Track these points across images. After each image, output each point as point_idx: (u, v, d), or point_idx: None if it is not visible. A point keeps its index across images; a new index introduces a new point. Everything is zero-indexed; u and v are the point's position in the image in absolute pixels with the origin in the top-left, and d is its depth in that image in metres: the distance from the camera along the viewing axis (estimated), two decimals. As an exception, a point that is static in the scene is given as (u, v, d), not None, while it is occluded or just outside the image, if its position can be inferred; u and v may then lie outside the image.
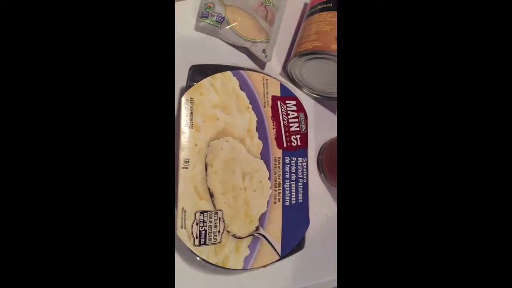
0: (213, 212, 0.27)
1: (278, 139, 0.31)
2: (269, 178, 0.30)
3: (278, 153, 0.31)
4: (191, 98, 0.27)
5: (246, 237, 0.28)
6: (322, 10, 0.33)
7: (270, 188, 0.30)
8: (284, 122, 0.32)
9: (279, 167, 0.31)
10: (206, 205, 0.26)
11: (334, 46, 0.31)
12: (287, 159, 0.31)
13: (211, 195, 0.27)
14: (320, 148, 0.38)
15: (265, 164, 0.30)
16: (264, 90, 0.31)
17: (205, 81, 0.28)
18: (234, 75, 0.30)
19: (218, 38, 0.34)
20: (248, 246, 0.28)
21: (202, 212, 0.26)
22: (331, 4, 0.33)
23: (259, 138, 0.30)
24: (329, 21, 0.32)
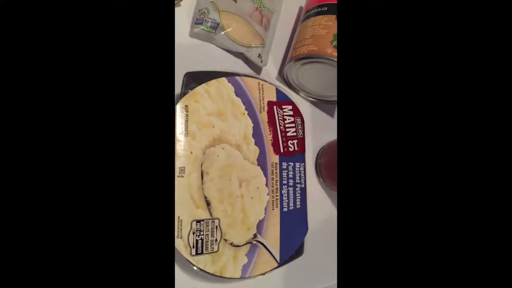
0: (210, 220, 0.26)
1: (275, 144, 0.31)
2: (266, 185, 0.30)
3: (275, 158, 0.31)
4: (186, 106, 0.27)
5: (243, 245, 0.28)
6: (317, 14, 0.33)
7: (267, 194, 0.29)
8: (281, 127, 0.32)
9: (276, 173, 0.30)
10: (202, 214, 0.26)
11: (330, 50, 0.31)
12: (284, 165, 0.31)
13: (208, 203, 0.27)
14: (318, 152, 0.38)
15: (262, 170, 0.30)
16: (260, 96, 0.31)
17: (200, 88, 0.28)
18: (229, 81, 0.29)
19: (213, 44, 0.34)
20: (246, 254, 0.27)
21: (198, 221, 0.26)
22: (326, 8, 0.33)
23: (256, 144, 0.30)
24: (324, 25, 0.32)
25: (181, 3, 0.33)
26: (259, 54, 0.34)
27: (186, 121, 0.27)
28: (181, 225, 0.25)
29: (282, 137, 0.31)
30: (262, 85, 0.31)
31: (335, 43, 0.31)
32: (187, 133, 0.27)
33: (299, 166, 0.32)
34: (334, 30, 0.31)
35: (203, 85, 0.28)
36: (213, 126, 0.28)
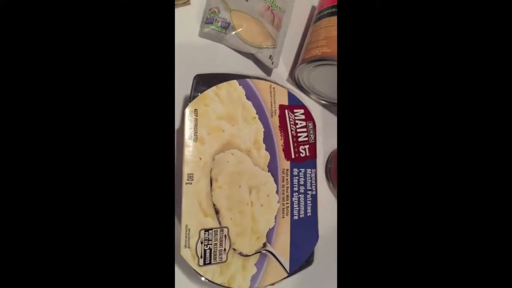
0: (219, 229, 0.25)
1: (286, 150, 0.30)
2: (277, 192, 0.29)
3: (286, 165, 0.30)
4: (195, 110, 0.26)
5: (253, 254, 0.27)
6: (331, 14, 0.32)
7: (278, 202, 0.28)
8: (292, 132, 0.30)
9: (287, 179, 0.29)
10: (211, 222, 0.25)
11: (345, 53, 0.29)
12: (295, 171, 0.30)
13: (216, 212, 0.26)
14: (328, 156, 0.37)
15: (273, 176, 0.29)
16: (271, 99, 0.30)
17: (210, 91, 0.27)
18: (240, 84, 0.28)
19: (223, 44, 0.33)
20: (255, 264, 0.27)
21: (207, 230, 0.25)
22: (341, 8, 0.32)
23: (266, 149, 0.29)
24: (338, 26, 0.31)
25: (191, 1, 0.32)
26: (270, 56, 0.33)
27: (196, 125, 0.26)
28: (189, 234, 0.24)
29: (293, 142, 0.30)
30: (274, 88, 0.30)
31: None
32: (196, 138, 0.26)
33: (310, 172, 0.31)
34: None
35: (213, 88, 0.27)
36: (223, 131, 0.27)
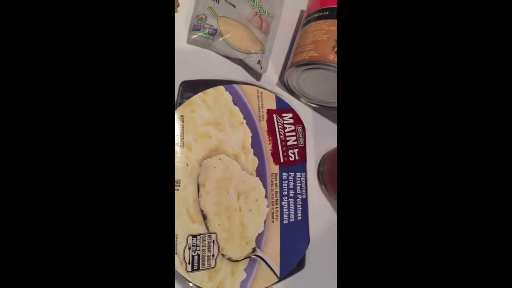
0: (206, 235, 0.25)
1: (275, 154, 0.30)
2: (266, 196, 0.29)
3: (275, 169, 0.30)
4: (182, 116, 0.26)
5: (242, 259, 0.27)
6: (319, 18, 0.32)
7: (267, 206, 0.28)
8: (281, 136, 0.31)
9: (276, 183, 0.29)
10: (198, 228, 0.25)
11: (331, 56, 0.29)
12: (284, 175, 0.30)
13: (204, 217, 0.26)
14: (321, 159, 0.37)
15: (261, 181, 0.29)
16: (259, 104, 0.30)
17: (196, 98, 0.27)
18: (227, 90, 0.29)
19: (212, 50, 0.33)
20: (244, 269, 0.26)
21: (194, 236, 0.25)
22: (328, 12, 0.32)
23: (254, 154, 0.29)
24: (325, 30, 0.31)
25: (178, 9, 0.32)
26: (259, 61, 0.33)
27: (182, 132, 0.26)
28: (176, 240, 0.24)
29: (282, 146, 0.30)
30: (261, 93, 0.30)
31: (336, 48, 0.29)
32: (182, 144, 0.26)
33: (300, 176, 0.31)
34: (336, 35, 0.30)
35: (200, 94, 0.27)
36: (210, 137, 0.27)
